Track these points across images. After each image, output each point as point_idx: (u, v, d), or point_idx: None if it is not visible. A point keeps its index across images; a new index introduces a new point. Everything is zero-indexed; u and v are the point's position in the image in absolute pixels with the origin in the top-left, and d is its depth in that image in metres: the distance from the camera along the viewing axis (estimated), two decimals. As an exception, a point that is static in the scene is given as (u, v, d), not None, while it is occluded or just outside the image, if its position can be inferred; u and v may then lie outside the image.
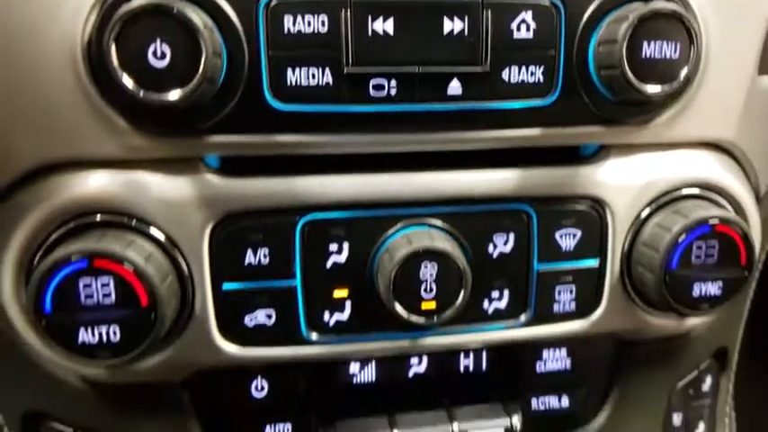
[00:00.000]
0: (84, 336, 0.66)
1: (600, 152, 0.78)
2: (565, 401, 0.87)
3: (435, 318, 0.71)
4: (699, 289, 0.76)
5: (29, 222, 0.68)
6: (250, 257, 0.71)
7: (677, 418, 0.93)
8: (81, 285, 0.65)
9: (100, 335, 0.66)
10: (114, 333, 0.66)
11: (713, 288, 0.76)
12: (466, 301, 0.71)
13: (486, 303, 0.77)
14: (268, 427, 0.80)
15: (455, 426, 0.81)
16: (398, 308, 0.70)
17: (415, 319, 0.71)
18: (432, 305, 0.71)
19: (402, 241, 0.71)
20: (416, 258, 0.69)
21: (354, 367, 0.82)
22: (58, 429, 0.80)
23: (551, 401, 0.87)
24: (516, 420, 0.83)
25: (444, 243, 0.71)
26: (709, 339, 0.91)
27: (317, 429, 0.81)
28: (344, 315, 0.75)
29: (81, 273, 0.65)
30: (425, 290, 0.70)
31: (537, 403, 0.86)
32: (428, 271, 0.70)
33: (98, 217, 0.69)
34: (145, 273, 0.65)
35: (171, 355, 0.72)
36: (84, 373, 0.74)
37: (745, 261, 0.75)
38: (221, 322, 0.72)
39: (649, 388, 0.90)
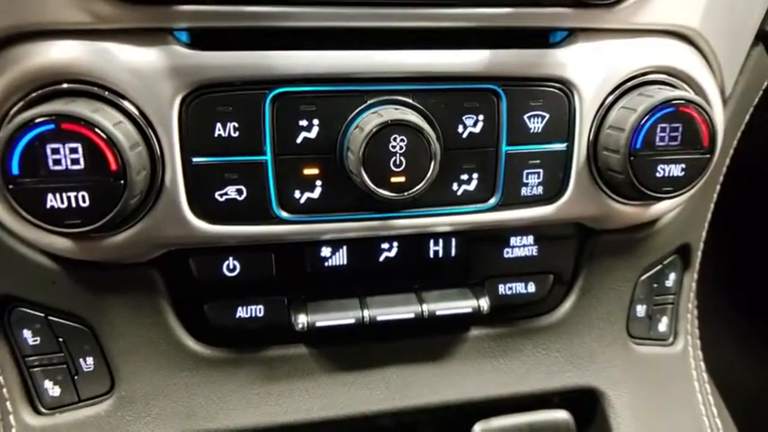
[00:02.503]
0: (53, 201, 0.66)
1: (568, 38, 0.79)
2: (531, 287, 0.89)
3: (405, 193, 0.72)
4: (662, 170, 0.77)
5: None
6: (219, 130, 0.71)
7: (641, 310, 0.95)
8: (48, 150, 0.65)
9: (68, 200, 0.66)
10: (83, 199, 0.66)
11: (676, 169, 0.77)
12: (434, 177, 0.72)
13: (455, 185, 0.78)
14: (240, 308, 0.81)
15: (424, 307, 0.83)
16: (368, 181, 0.71)
17: (383, 192, 0.71)
18: (401, 179, 0.71)
19: (372, 116, 0.72)
20: (386, 130, 0.70)
21: (326, 250, 0.82)
22: (28, 314, 0.79)
23: (518, 287, 0.88)
24: (483, 302, 0.84)
25: (415, 117, 0.71)
26: (673, 233, 0.93)
27: (288, 311, 0.82)
28: (315, 193, 0.75)
29: (48, 136, 0.64)
30: (395, 163, 0.71)
31: (504, 289, 0.88)
32: (398, 144, 0.71)
33: (65, 85, 0.68)
34: (114, 137, 0.65)
35: (141, 231, 0.72)
36: (54, 248, 0.73)
37: (708, 143, 0.77)
38: (191, 197, 0.72)
39: (614, 278, 0.92)
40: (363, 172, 0.70)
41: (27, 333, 0.80)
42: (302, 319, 0.81)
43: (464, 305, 0.84)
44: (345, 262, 0.83)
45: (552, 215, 0.81)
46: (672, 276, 0.97)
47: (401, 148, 0.71)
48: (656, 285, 0.96)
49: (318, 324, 0.80)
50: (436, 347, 0.90)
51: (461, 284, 0.86)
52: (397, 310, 0.82)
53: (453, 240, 0.85)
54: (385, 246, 0.84)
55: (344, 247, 0.83)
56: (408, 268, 0.85)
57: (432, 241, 0.85)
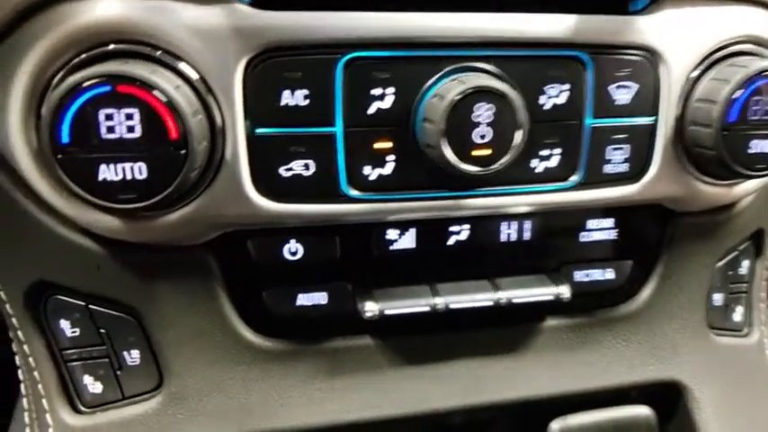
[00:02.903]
0: (106, 172, 0.59)
1: (652, 4, 0.73)
2: (609, 274, 0.82)
3: (490, 167, 0.65)
4: (755, 146, 0.71)
5: (38, 52, 0.60)
6: (287, 98, 0.64)
7: (718, 298, 0.89)
8: (102, 116, 0.58)
9: (123, 172, 0.59)
10: (140, 171, 0.59)
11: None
12: (520, 150, 0.66)
13: (534, 162, 0.72)
14: (301, 295, 0.74)
15: (501, 294, 0.76)
16: (449, 154, 0.64)
17: (466, 167, 0.65)
18: (485, 152, 0.65)
19: (452, 83, 0.65)
20: (470, 98, 0.63)
21: (393, 233, 0.75)
22: (67, 302, 0.72)
23: (596, 274, 0.82)
24: (564, 289, 0.78)
25: (500, 84, 0.65)
26: (750, 218, 0.86)
27: (354, 298, 0.75)
28: (386, 169, 0.68)
29: (103, 100, 0.58)
30: (479, 134, 0.65)
31: (581, 275, 0.81)
32: (483, 113, 0.64)
33: (114, 46, 0.61)
34: (176, 102, 0.58)
35: (197, 209, 0.65)
36: (101, 227, 0.66)
37: None
38: (254, 172, 0.65)
39: (694, 263, 0.86)
40: (445, 144, 0.64)
41: (65, 324, 0.73)
42: (371, 307, 0.74)
43: (544, 292, 0.78)
44: (413, 245, 0.76)
45: (635, 195, 0.75)
46: (745, 263, 0.91)
47: (486, 117, 0.64)
48: (730, 273, 0.90)
49: (388, 312, 0.73)
50: (510, 339, 0.84)
51: (535, 271, 0.80)
52: (473, 297, 0.76)
53: (528, 223, 0.79)
54: (455, 228, 0.77)
55: (413, 230, 0.76)
56: (479, 253, 0.78)
57: (505, 224, 0.78)
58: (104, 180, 0.59)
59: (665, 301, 0.87)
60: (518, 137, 0.65)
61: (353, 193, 0.68)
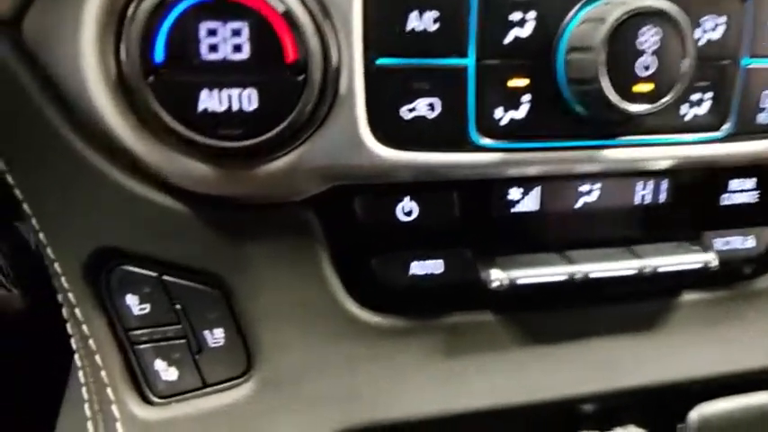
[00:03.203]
0: (208, 100, 0.48)
1: None
2: (750, 241, 0.72)
3: (653, 103, 0.55)
4: None
5: None
6: (414, 22, 0.53)
7: None
8: (203, 30, 0.47)
9: (229, 100, 0.49)
10: (249, 100, 0.49)
11: None
12: (686, 86, 0.56)
13: (683, 108, 0.61)
14: (415, 263, 0.63)
15: (646, 261, 0.66)
16: (608, 89, 0.54)
17: (628, 106, 0.54)
18: (647, 86, 0.54)
19: (607, 7, 0.55)
20: (633, 21, 0.53)
21: (516, 193, 0.65)
22: (135, 273, 0.60)
23: (736, 241, 0.72)
24: (711, 257, 0.67)
25: (669, 4, 0.55)
26: None
27: (474, 267, 0.65)
28: (520, 112, 0.58)
29: (205, 11, 0.47)
30: (643, 65, 0.54)
31: (721, 243, 0.71)
32: (648, 38, 0.54)
33: None
34: (294, 15, 0.48)
35: (305, 156, 0.54)
36: (187, 176, 0.55)
37: None
38: (372, 112, 0.54)
39: None
40: (604, 77, 0.53)
41: (132, 300, 0.61)
42: (497, 275, 0.63)
43: (691, 260, 0.67)
44: (537, 207, 0.66)
45: None
46: None
47: (653, 44, 0.54)
48: None
49: (520, 281, 0.63)
50: (647, 316, 0.73)
51: (671, 238, 0.70)
52: (614, 265, 0.65)
53: (665, 183, 0.68)
54: (584, 188, 0.66)
55: (537, 189, 0.65)
56: (610, 217, 0.68)
57: (640, 183, 0.68)
58: (205, 110, 0.49)
59: None
60: (685, 66, 0.55)
61: (483, 141, 0.58)
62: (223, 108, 0.49)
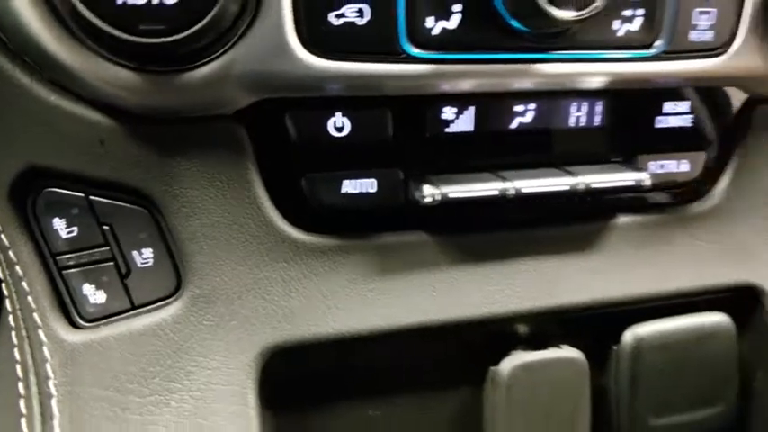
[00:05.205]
0: (127, -6, 0.47)
1: None
2: (684, 165, 0.73)
3: (582, 9, 0.55)
4: None
5: None
6: None
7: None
8: None
9: (148, -8, 0.47)
10: (167, -12, 0.48)
11: None
12: None
13: (616, 23, 0.62)
14: (347, 181, 0.63)
15: (580, 179, 0.66)
16: None
17: (557, 12, 0.54)
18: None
19: None
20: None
21: (450, 112, 0.64)
22: (62, 195, 0.59)
23: (670, 165, 0.73)
24: (645, 176, 0.68)
25: None
26: None
27: (407, 187, 0.64)
28: (452, 22, 0.57)
29: None
30: (568, -29, 0.55)
31: (655, 166, 0.72)
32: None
33: None
34: None
35: (231, 63, 0.53)
36: (113, 84, 0.53)
37: None
38: (299, 19, 0.53)
39: None
40: None
41: (59, 223, 0.60)
42: (429, 191, 0.62)
43: (624, 178, 0.67)
44: (472, 128, 0.66)
45: (720, 69, 0.66)
46: None
47: (577, -52, 0.54)
48: None
49: (452, 195, 0.62)
50: (580, 238, 0.74)
51: (607, 161, 0.70)
52: (546, 182, 0.65)
53: (599, 104, 0.69)
54: (519, 108, 0.66)
55: (471, 109, 0.65)
56: (545, 138, 0.68)
57: (574, 105, 0.68)
58: (124, 3, 0.47)
59: (741, 199, 0.78)
60: None
61: (414, 50, 0.57)
62: (143, 1, 0.47)
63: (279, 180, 0.62)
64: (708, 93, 0.73)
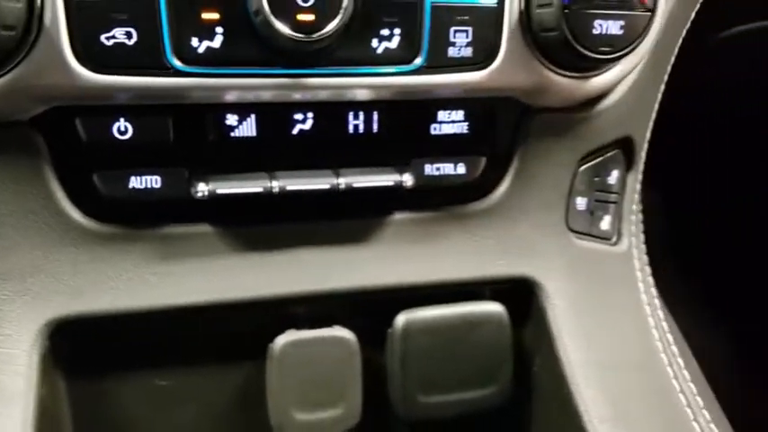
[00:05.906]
0: None
1: None
2: (461, 168, 0.82)
3: (314, 35, 0.64)
4: (599, 26, 0.71)
5: None
6: None
7: (581, 203, 0.89)
8: None
9: None
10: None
11: (614, 26, 0.71)
12: (347, 18, 0.65)
13: (375, 42, 0.70)
14: (133, 178, 0.72)
15: (341, 179, 0.75)
16: (271, 18, 0.63)
17: (288, 32, 0.64)
18: (309, 17, 0.64)
19: None
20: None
21: (232, 118, 0.74)
22: None
23: (446, 168, 0.81)
24: (407, 177, 0.77)
25: None
26: (614, 121, 0.86)
27: (189, 184, 0.73)
28: (215, 42, 0.66)
29: None
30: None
31: (431, 169, 0.81)
32: (306, -28, 0.63)
33: None
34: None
35: (18, 78, 0.63)
36: None
37: (649, 1, 0.72)
38: (75, 39, 0.63)
39: (550, 162, 0.86)
40: (266, 5, 0.63)
41: None
42: (201, 188, 0.72)
43: (385, 179, 0.76)
44: (254, 134, 0.75)
45: (484, 82, 0.74)
46: (614, 173, 0.91)
47: (312, -23, 0.63)
48: (597, 179, 0.90)
49: (220, 191, 0.72)
50: (355, 231, 0.83)
51: (385, 165, 0.79)
52: (310, 181, 0.74)
53: (376, 114, 0.78)
54: (299, 116, 0.76)
55: (253, 116, 0.74)
56: (325, 144, 0.77)
57: (351, 113, 0.77)
58: None
59: (520, 199, 0.86)
60: (346, 2, 0.64)
61: (180, 65, 0.66)
62: None
63: (73, 176, 0.72)
64: (486, 102, 0.81)
